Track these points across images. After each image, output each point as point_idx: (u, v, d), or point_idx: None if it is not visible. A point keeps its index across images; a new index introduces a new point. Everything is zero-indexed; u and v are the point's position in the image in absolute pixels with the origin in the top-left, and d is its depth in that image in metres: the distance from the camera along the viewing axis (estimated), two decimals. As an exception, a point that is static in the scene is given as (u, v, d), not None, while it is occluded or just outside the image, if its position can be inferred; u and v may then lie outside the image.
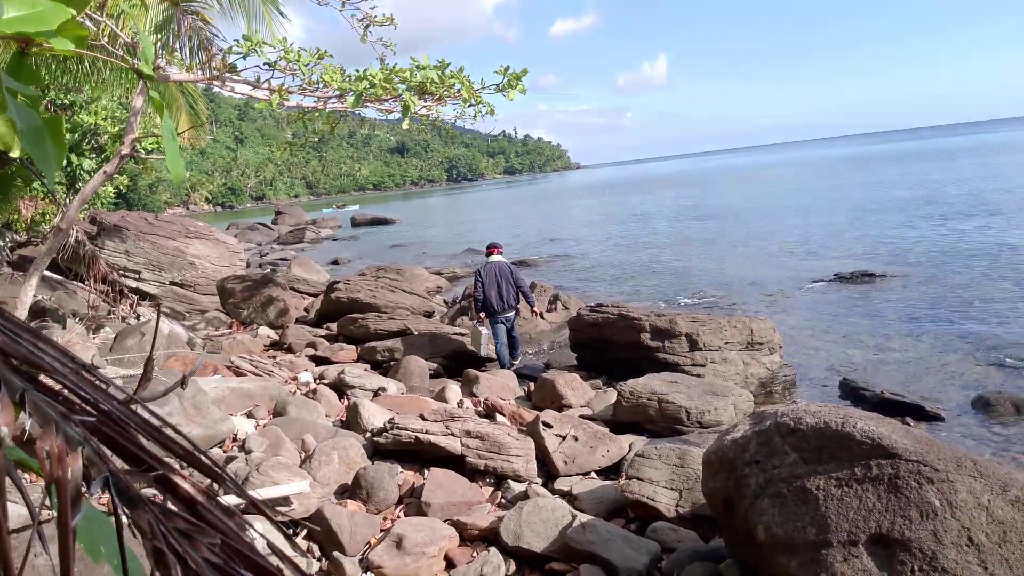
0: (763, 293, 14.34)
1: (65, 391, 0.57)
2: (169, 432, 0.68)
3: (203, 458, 0.66)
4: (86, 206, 13.42)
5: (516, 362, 10.26)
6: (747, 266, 17.65)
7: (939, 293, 12.77)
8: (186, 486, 0.57)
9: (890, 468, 3.15)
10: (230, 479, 0.66)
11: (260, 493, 4.32)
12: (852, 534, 3.12)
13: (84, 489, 0.52)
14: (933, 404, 7.54)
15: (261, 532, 0.72)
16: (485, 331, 9.90)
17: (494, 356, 10.11)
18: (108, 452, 0.56)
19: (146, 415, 0.70)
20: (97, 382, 0.63)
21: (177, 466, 0.63)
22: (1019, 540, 2.99)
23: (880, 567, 3.09)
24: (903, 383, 8.40)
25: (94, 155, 13.64)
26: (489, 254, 10.25)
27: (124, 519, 0.52)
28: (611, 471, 6.06)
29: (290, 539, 0.72)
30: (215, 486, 0.72)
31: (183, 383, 0.93)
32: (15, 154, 1.00)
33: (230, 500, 3.24)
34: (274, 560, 0.62)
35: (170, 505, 0.56)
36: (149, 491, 0.60)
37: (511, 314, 9.98)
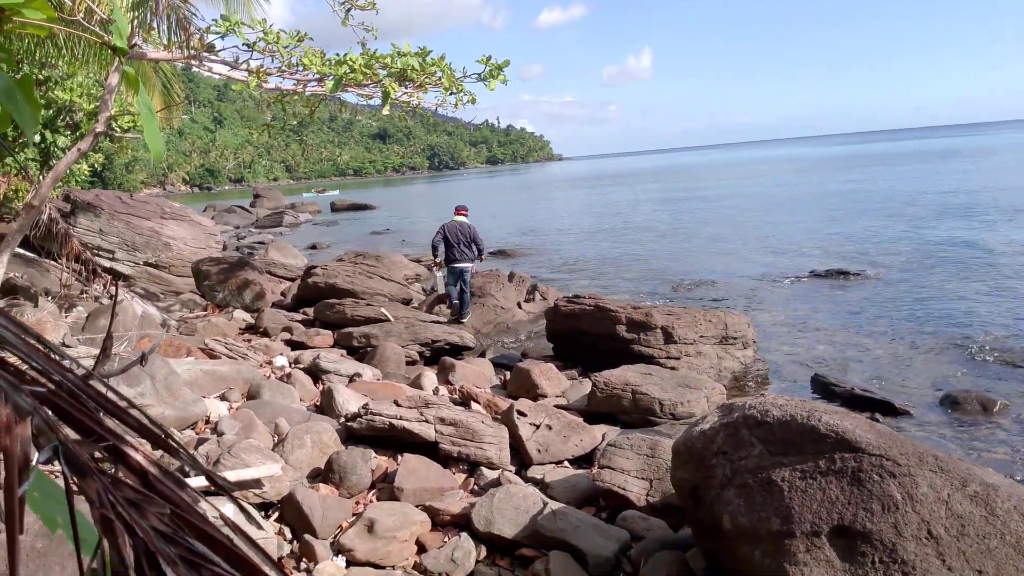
0: (739, 288, 14.47)
1: (17, 362, 0.58)
2: (126, 406, 0.68)
3: (158, 431, 0.67)
4: (60, 184, 13.20)
5: (464, 320, 11.37)
6: (724, 261, 17.79)
7: (912, 292, 12.96)
8: (137, 457, 0.58)
9: (853, 461, 3.21)
10: (184, 451, 0.66)
11: (231, 475, 4.31)
12: (815, 525, 3.18)
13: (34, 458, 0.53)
14: (902, 401, 7.66)
15: (214, 504, 0.73)
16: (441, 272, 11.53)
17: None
18: (59, 422, 0.56)
19: (103, 389, 0.70)
20: (51, 355, 0.63)
21: (132, 439, 0.64)
22: (976, 534, 3.06)
23: (842, 558, 3.15)
24: (874, 379, 8.53)
25: (68, 132, 13.42)
26: (457, 214, 11.66)
27: (73, 488, 0.53)
28: (584, 460, 6.11)
29: (247, 513, 0.73)
30: (172, 462, 0.72)
31: (143, 360, 0.94)
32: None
33: (199, 481, 3.24)
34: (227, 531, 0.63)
35: (121, 476, 0.57)
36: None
37: (466, 264, 11.42)
